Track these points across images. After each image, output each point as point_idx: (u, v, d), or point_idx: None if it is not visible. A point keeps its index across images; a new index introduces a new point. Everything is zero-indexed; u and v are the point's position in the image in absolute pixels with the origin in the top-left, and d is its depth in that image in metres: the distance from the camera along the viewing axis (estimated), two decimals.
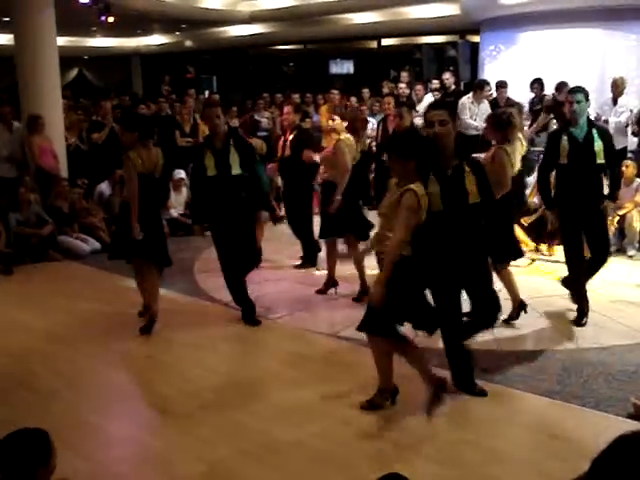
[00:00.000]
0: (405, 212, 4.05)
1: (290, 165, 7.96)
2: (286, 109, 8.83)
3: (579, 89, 5.76)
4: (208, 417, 4.43)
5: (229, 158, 5.83)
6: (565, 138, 5.69)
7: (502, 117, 5.76)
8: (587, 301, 5.96)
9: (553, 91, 10.48)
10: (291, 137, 7.97)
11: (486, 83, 11.14)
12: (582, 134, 5.66)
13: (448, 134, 4.28)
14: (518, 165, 5.84)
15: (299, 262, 8.12)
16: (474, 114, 10.63)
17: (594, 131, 5.70)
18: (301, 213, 8.08)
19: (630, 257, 8.26)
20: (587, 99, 5.75)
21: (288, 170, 8.10)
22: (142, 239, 5.82)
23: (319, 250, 7.93)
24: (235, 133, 6.26)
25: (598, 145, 5.64)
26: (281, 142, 8.24)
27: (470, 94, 10.97)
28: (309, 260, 8.07)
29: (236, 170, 5.86)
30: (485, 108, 10.61)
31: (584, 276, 5.90)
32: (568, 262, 5.93)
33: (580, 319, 5.92)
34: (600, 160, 5.66)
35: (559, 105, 9.34)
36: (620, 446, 1.34)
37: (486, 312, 4.57)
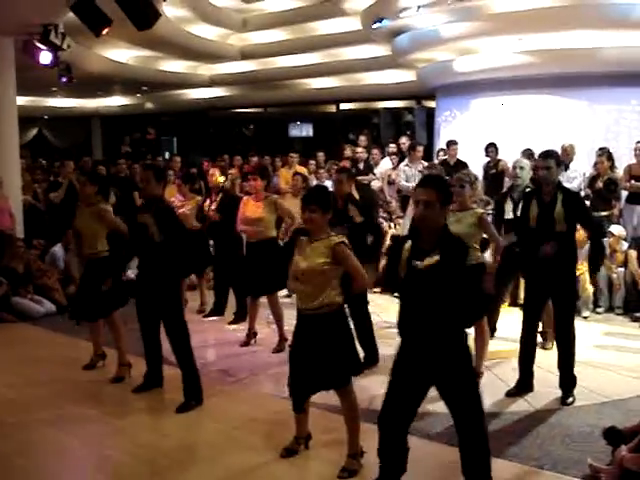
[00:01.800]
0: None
1: (219, 229, 8.34)
2: (211, 171, 9.14)
3: (550, 154, 5.72)
4: None
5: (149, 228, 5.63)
6: (535, 202, 5.67)
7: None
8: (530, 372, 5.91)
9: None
10: (217, 201, 8.42)
11: (418, 144, 11.28)
12: (548, 199, 5.61)
13: (430, 216, 3.79)
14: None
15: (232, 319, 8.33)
16: (409, 177, 10.70)
17: (559, 196, 5.57)
18: (226, 273, 8.45)
19: (585, 318, 8.38)
20: (558, 164, 5.76)
21: (217, 233, 8.51)
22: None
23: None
24: (158, 203, 5.83)
25: (558, 212, 5.51)
26: (207, 204, 8.61)
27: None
28: (218, 310, 8.53)
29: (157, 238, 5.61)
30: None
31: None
32: (523, 332, 5.89)
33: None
34: (560, 227, 5.53)
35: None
36: None
37: None
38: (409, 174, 10.68)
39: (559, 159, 5.78)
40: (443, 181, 4.00)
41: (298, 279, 4.34)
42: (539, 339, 6.32)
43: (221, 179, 9.00)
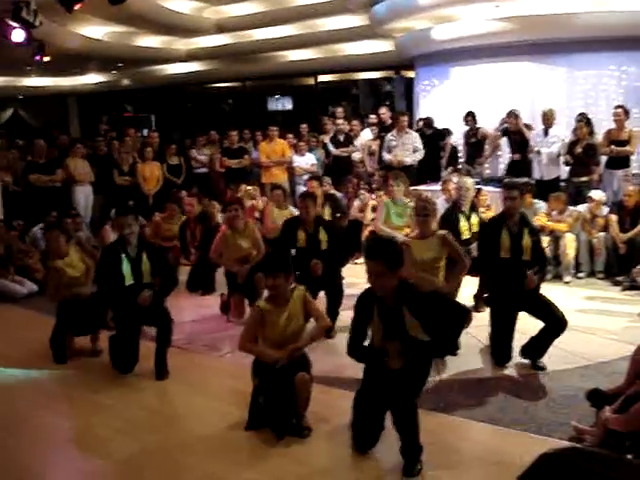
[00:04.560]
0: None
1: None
2: (187, 200, 9.48)
3: (514, 185, 5.91)
4: (150, 460, 4.34)
5: (141, 266, 5.78)
6: (505, 232, 5.74)
7: None
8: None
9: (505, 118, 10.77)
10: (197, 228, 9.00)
11: (402, 114, 11.34)
12: (515, 229, 5.75)
13: (385, 284, 4.04)
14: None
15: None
16: (393, 147, 10.70)
17: (525, 229, 5.76)
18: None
19: (566, 283, 8.46)
20: (522, 194, 5.92)
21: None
22: None
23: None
24: (145, 242, 6.10)
25: (526, 243, 5.69)
26: (189, 234, 9.18)
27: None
28: (207, 288, 8.60)
29: (147, 279, 5.78)
30: (410, 139, 10.76)
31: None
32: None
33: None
34: (526, 257, 5.69)
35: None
36: (543, 465, 1.37)
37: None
38: (393, 145, 10.67)
39: (524, 189, 5.91)
40: (390, 248, 4.08)
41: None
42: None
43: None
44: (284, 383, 4.40)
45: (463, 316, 5.09)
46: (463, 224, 7.30)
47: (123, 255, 5.74)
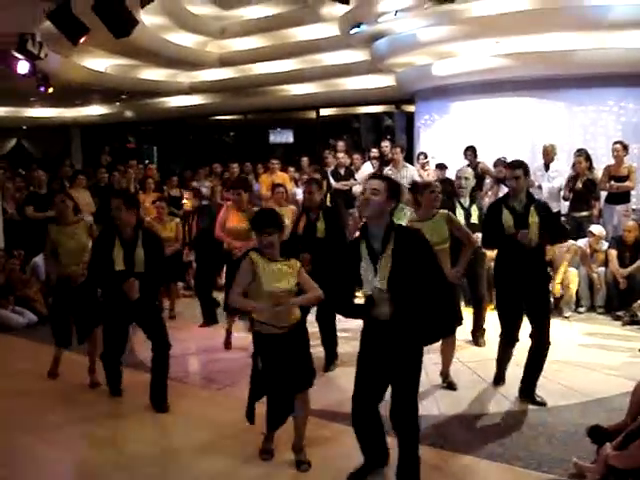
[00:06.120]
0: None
1: (200, 238, 8.68)
2: (186, 194, 9.45)
3: (518, 164, 5.74)
4: None
5: (134, 253, 5.58)
6: (506, 211, 5.68)
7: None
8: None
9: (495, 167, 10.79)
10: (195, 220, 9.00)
11: (395, 146, 11.53)
12: (520, 207, 5.66)
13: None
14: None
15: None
16: None
17: (532, 207, 5.64)
18: (209, 281, 8.80)
19: (566, 318, 8.45)
20: (527, 174, 5.76)
21: (199, 242, 8.87)
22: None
23: (218, 305, 8.54)
24: (143, 230, 5.87)
25: (532, 221, 5.57)
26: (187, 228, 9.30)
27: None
28: (211, 320, 8.57)
29: (139, 268, 5.57)
30: (408, 173, 10.83)
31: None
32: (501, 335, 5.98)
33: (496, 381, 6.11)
34: (533, 235, 5.58)
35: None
36: None
37: None
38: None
39: (527, 169, 5.77)
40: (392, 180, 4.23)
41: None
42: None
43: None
44: (287, 368, 4.41)
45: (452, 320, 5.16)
46: (459, 212, 7.08)
47: (117, 239, 5.58)
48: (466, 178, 7.33)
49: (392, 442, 4.20)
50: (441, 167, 11.38)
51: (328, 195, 9.17)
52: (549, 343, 5.61)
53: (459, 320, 5.98)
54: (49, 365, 6.55)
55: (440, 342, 5.79)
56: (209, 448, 4.94)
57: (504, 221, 5.67)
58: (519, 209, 5.65)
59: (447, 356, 6.10)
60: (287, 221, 6.98)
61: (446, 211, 6.08)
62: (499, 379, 6.10)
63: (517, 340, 5.84)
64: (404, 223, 6.76)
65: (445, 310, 4.19)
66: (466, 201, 7.24)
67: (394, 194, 4.05)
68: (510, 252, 5.71)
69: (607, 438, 4.26)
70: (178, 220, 9.50)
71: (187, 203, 9.19)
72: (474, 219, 7.08)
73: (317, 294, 4.52)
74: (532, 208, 5.62)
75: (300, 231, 6.76)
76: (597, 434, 4.44)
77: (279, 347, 4.43)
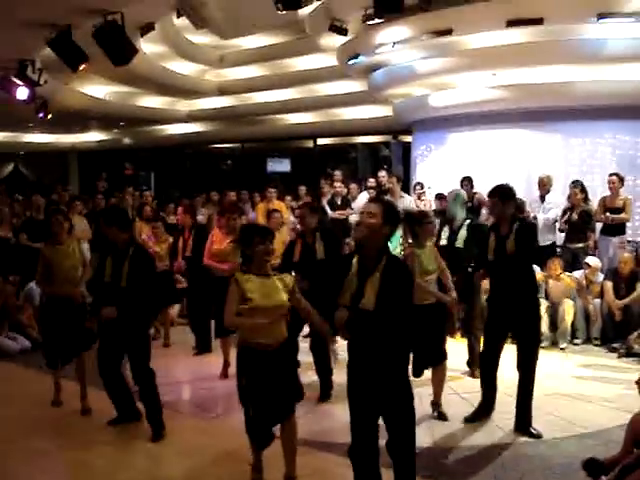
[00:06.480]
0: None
1: (194, 263, 8.42)
2: (180, 209, 9.32)
3: (493, 192, 5.81)
4: None
5: (122, 267, 5.59)
6: (492, 236, 5.80)
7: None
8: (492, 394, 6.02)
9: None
10: (191, 237, 8.68)
11: (390, 176, 11.54)
12: (505, 231, 5.73)
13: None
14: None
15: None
16: None
17: (514, 228, 5.67)
18: (202, 308, 8.47)
19: (562, 350, 8.42)
20: (507, 198, 5.77)
21: (192, 268, 8.57)
22: None
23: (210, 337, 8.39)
24: (134, 245, 5.87)
25: (510, 241, 5.63)
26: (180, 243, 8.83)
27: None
28: (204, 349, 8.47)
29: (123, 282, 5.55)
30: (405, 203, 10.82)
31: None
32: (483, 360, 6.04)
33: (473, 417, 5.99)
34: (510, 250, 5.64)
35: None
36: None
37: None
38: None
39: (507, 194, 5.80)
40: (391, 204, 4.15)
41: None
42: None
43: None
44: (273, 385, 4.37)
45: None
46: (444, 234, 7.16)
47: (110, 253, 5.69)
48: (454, 199, 7.33)
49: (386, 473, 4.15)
50: (440, 197, 11.40)
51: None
52: (534, 372, 5.61)
53: (441, 356, 6.00)
54: (39, 390, 6.46)
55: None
56: (200, 477, 4.89)
57: (489, 245, 5.80)
58: (504, 232, 5.74)
59: (437, 386, 6.08)
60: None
61: (432, 243, 6.21)
62: (485, 406, 5.99)
63: (496, 364, 5.84)
64: (398, 248, 6.80)
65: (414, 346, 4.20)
66: (457, 223, 7.18)
67: (390, 219, 3.97)
68: (497, 276, 5.83)
69: (603, 471, 4.23)
70: (171, 239, 9.36)
71: (183, 218, 9.06)
72: (459, 243, 7.06)
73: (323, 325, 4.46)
74: (514, 231, 5.67)
75: (296, 258, 6.71)
76: (593, 467, 4.40)
77: (265, 364, 4.39)
